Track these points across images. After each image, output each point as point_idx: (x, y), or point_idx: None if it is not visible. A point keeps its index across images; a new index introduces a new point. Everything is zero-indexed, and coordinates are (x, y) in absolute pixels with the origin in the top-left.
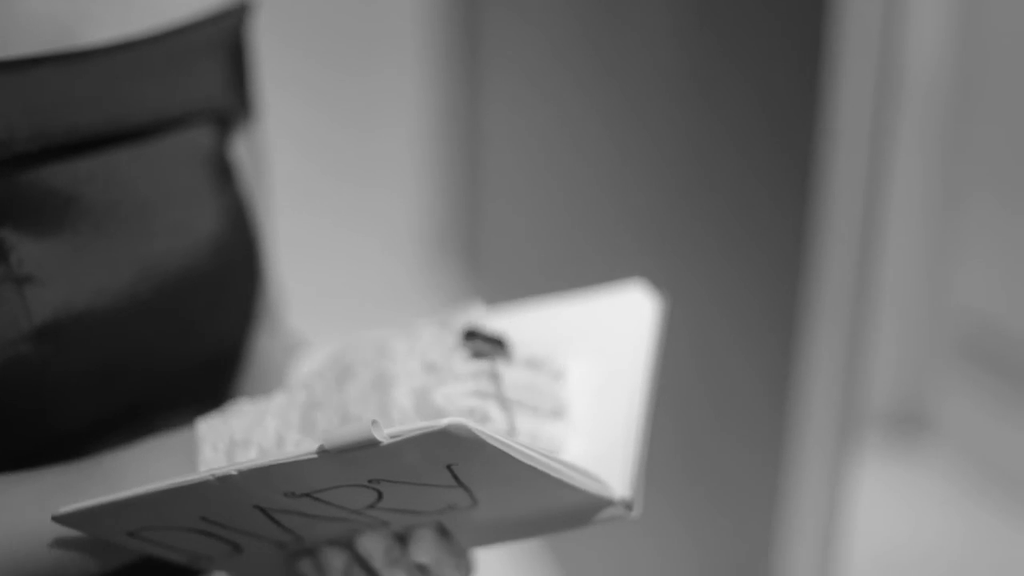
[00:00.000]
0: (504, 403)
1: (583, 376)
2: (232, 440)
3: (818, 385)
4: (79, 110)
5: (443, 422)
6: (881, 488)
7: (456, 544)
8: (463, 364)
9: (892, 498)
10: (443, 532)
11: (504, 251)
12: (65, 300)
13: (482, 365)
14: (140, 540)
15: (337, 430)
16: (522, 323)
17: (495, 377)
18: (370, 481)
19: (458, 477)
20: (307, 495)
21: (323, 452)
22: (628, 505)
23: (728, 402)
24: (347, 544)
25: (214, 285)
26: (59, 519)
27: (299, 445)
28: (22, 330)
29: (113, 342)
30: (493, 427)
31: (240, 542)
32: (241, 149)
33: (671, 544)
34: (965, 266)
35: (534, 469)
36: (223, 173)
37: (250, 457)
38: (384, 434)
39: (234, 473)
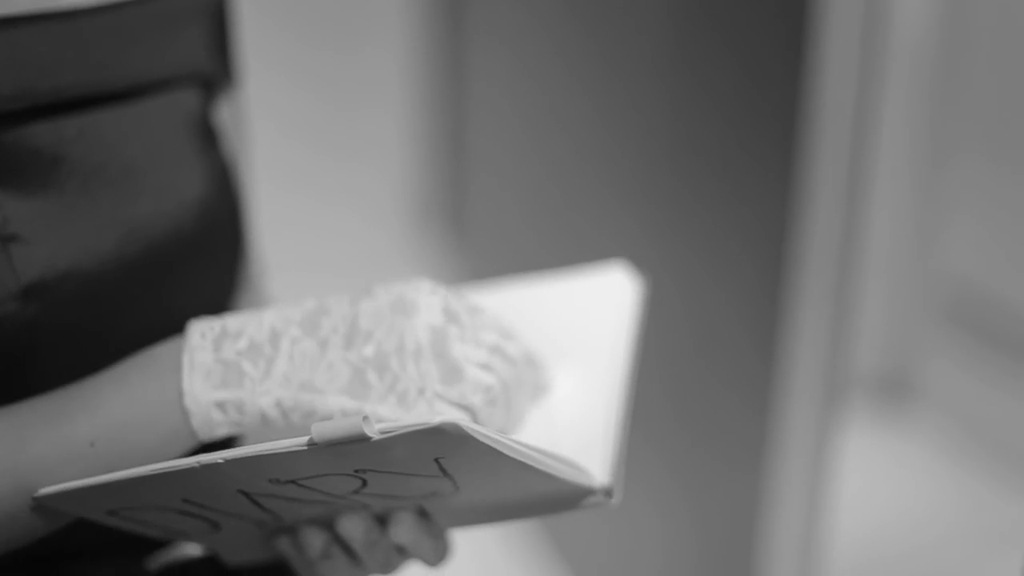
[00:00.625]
0: (509, 388)
1: (562, 360)
2: (224, 329)
3: (804, 350)
4: (64, 70)
5: (436, 420)
6: (867, 452)
7: (435, 526)
8: (487, 333)
9: (878, 462)
10: (423, 514)
11: (489, 223)
12: (51, 259)
13: (501, 342)
14: (119, 518)
15: (327, 423)
16: (501, 302)
17: (512, 361)
18: (356, 471)
19: (444, 468)
20: (292, 482)
21: (312, 444)
22: (608, 493)
23: (715, 367)
24: (327, 524)
25: (199, 247)
26: (40, 499)
27: (298, 342)
28: (9, 289)
29: (98, 303)
30: (494, 410)
31: (219, 521)
32: (224, 114)
33: (659, 511)
34: (952, 230)
35: (521, 463)
36: (208, 136)
37: (238, 346)
38: (375, 429)
39: (220, 461)
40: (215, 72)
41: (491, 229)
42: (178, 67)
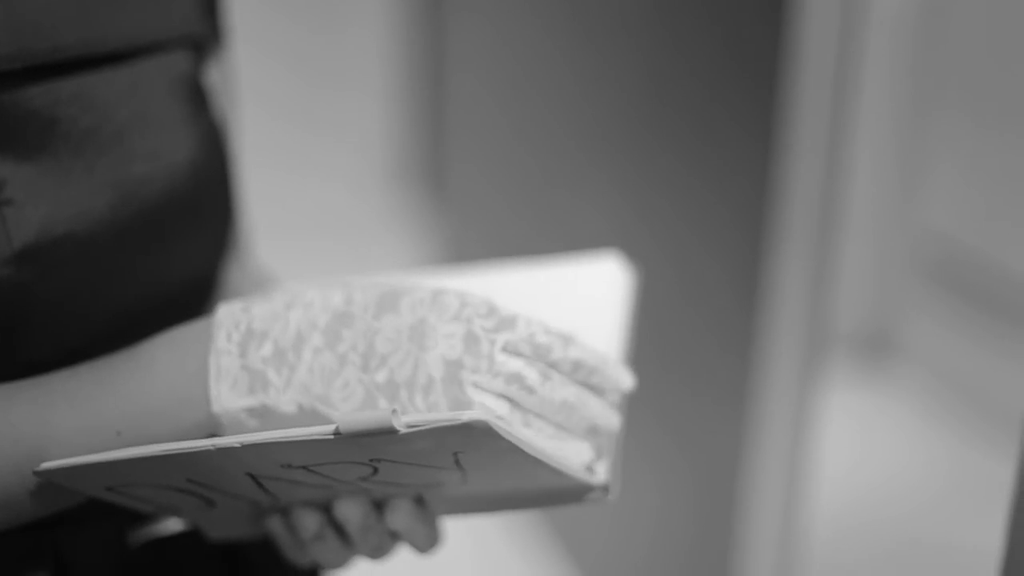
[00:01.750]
0: (529, 420)
1: None
2: (249, 329)
3: (786, 308)
4: (60, 30)
5: (465, 416)
6: (849, 410)
7: (430, 514)
8: (505, 358)
9: (860, 419)
10: (419, 501)
11: (469, 187)
12: (45, 223)
13: (523, 370)
14: (115, 494)
15: (355, 414)
16: (488, 290)
17: (530, 391)
18: (371, 459)
19: (460, 462)
20: (303, 467)
21: (338, 435)
22: (606, 489)
23: (697, 326)
24: (322, 506)
25: (191, 210)
26: (41, 474)
27: (319, 352)
28: (2, 253)
29: (92, 267)
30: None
31: (216, 500)
32: (214, 76)
33: (635, 472)
34: (934, 188)
35: (537, 460)
36: (199, 99)
37: (263, 353)
38: (402, 423)
39: (237, 446)
40: (206, 34)
41: (470, 193)
42: (170, 29)
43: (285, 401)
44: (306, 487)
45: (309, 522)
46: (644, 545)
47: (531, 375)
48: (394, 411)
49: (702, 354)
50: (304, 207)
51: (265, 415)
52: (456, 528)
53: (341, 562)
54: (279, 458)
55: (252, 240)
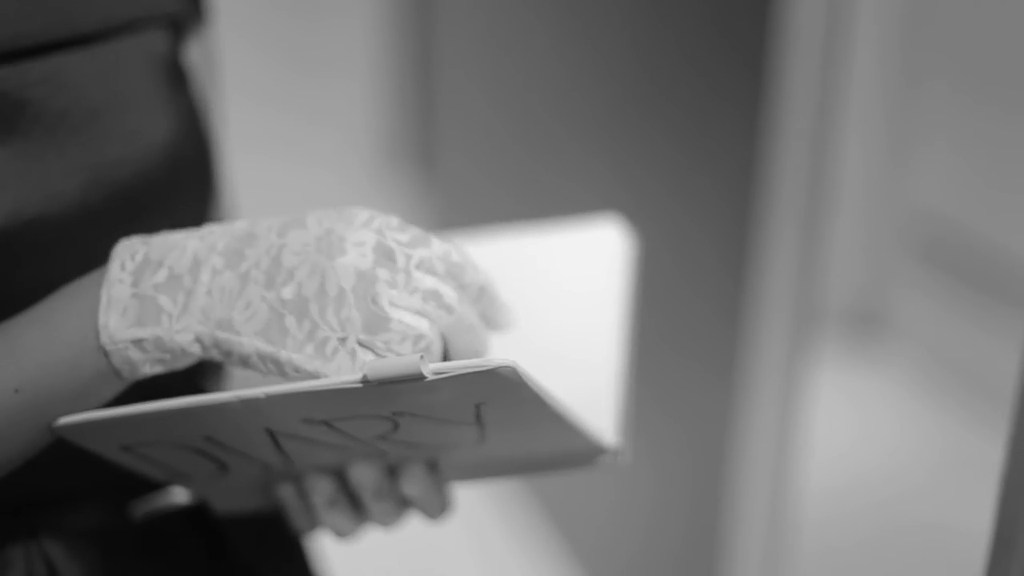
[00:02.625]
0: (447, 339)
1: (557, 317)
2: (146, 258)
3: (775, 285)
4: (23, 16)
5: (494, 363)
6: (840, 387)
7: (442, 480)
8: (421, 274)
9: (851, 397)
10: (432, 467)
11: (459, 164)
12: (15, 206)
13: (440, 287)
14: (130, 454)
15: (382, 361)
16: (488, 255)
17: (448, 310)
18: (394, 413)
19: (480, 416)
20: (324, 422)
21: (366, 382)
22: (617, 453)
23: (685, 303)
24: (335, 472)
25: (167, 192)
26: (59, 430)
27: (219, 274)
28: None
29: (64, 250)
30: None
31: (230, 463)
32: (194, 54)
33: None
34: (924, 165)
35: (557, 415)
36: (176, 79)
37: (156, 279)
38: (430, 369)
39: (261, 397)
40: (185, 12)
41: (460, 172)
42: (146, 8)
43: (179, 329)
44: (322, 448)
45: (323, 487)
46: (636, 522)
47: (448, 293)
48: (422, 357)
49: (692, 332)
50: (293, 188)
51: (159, 348)
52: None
53: (351, 530)
54: (302, 411)
55: (238, 215)
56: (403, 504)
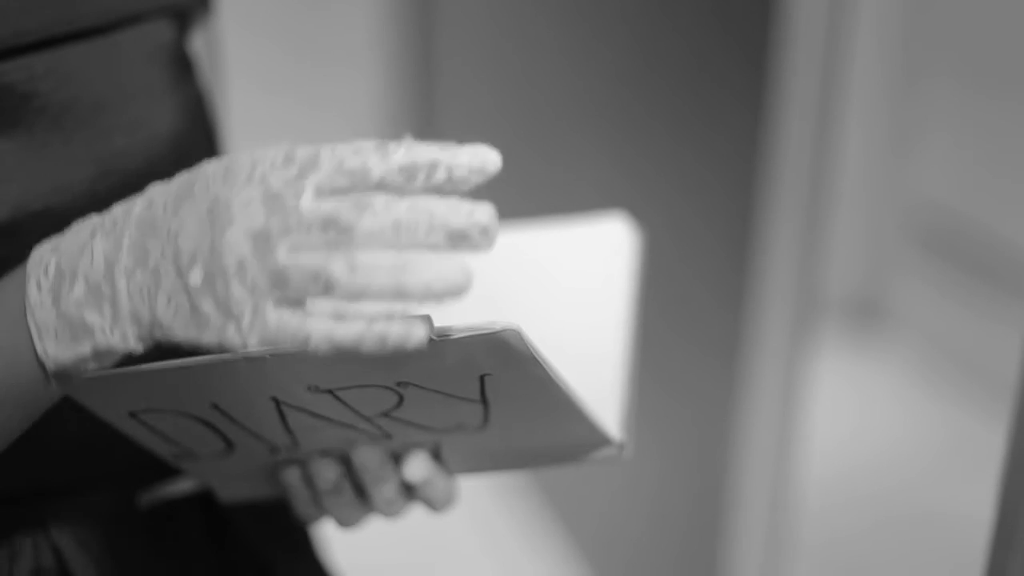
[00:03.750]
0: (356, 262)
1: (564, 311)
2: (59, 270)
3: (777, 274)
4: (29, 9)
5: (497, 326)
6: (841, 376)
7: (445, 471)
8: (315, 204)
9: (852, 386)
10: (436, 456)
11: None
12: (22, 199)
13: (334, 210)
14: (138, 422)
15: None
16: (493, 250)
17: (346, 230)
18: (398, 384)
19: (485, 390)
20: (329, 391)
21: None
22: (622, 447)
23: (687, 292)
24: (340, 457)
25: None
26: (71, 387)
27: (131, 276)
28: None
29: None
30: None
31: (236, 440)
32: (198, 43)
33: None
34: (925, 154)
35: (562, 394)
36: (181, 68)
37: (76, 295)
38: (434, 331)
39: (266, 357)
40: (189, 2)
41: None
42: (151, 1)
43: (117, 339)
44: (328, 426)
45: (328, 472)
46: (638, 514)
47: (345, 212)
48: (424, 317)
49: (694, 321)
50: None
51: (105, 355)
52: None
53: (356, 519)
54: (306, 376)
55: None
56: (406, 493)
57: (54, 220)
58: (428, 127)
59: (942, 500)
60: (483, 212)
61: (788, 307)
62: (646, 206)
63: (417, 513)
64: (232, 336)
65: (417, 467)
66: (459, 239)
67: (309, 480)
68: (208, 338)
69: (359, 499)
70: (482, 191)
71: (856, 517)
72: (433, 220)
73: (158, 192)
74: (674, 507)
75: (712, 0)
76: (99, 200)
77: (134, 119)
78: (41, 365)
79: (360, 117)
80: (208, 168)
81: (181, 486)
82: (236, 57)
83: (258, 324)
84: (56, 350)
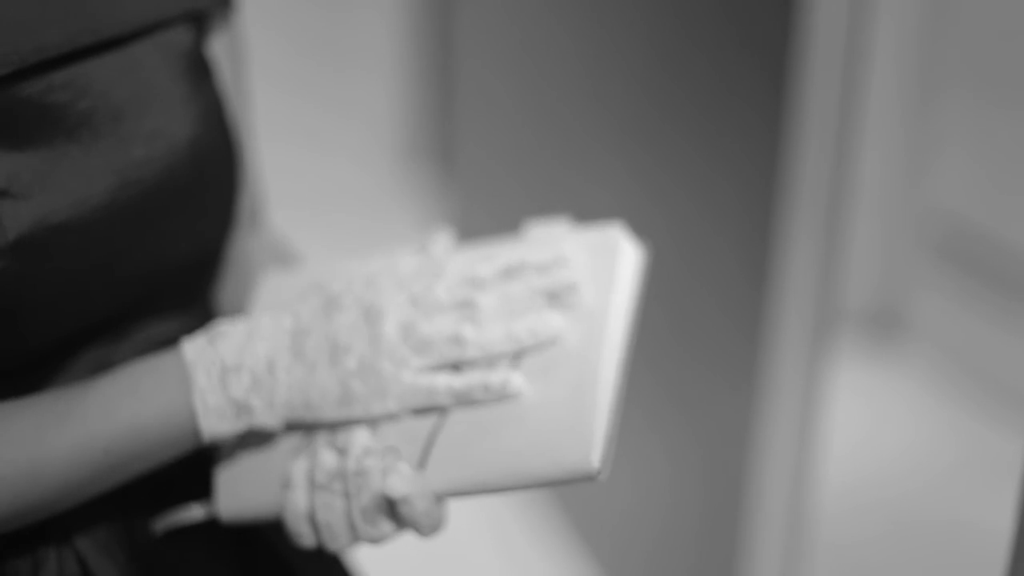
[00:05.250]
0: (481, 325)
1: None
2: (224, 365)
3: (795, 285)
4: (48, 24)
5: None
6: (858, 387)
7: (428, 488)
8: (444, 292)
9: (869, 397)
10: (421, 464)
11: (478, 162)
12: (41, 213)
13: (460, 291)
14: None
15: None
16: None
17: (472, 306)
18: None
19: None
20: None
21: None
22: (598, 471)
23: (704, 302)
24: (339, 450)
25: (192, 189)
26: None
27: (290, 371)
28: None
29: (91, 252)
30: (482, 342)
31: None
32: (218, 46)
33: (644, 451)
34: (942, 165)
35: (597, 369)
36: (200, 72)
37: (243, 384)
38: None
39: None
40: (209, 5)
41: (479, 170)
42: (169, 7)
43: (271, 417)
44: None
45: (327, 459)
46: (654, 520)
47: (468, 292)
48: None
49: (711, 332)
50: (313, 183)
51: (256, 432)
52: (471, 511)
53: (344, 539)
54: None
55: (267, 210)
56: (389, 518)
57: (74, 232)
58: (447, 131)
59: (959, 510)
60: (566, 275)
61: (806, 317)
62: (664, 216)
63: None
64: (376, 407)
65: (398, 482)
66: (554, 298)
67: (311, 467)
68: (356, 413)
69: (348, 529)
70: (504, 195)
71: (873, 527)
72: (534, 288)
73: (301, 307)
74: (691, 516)
75: (732, 12)
76: (119, 211)
77: (153, 129)
78: (197, 434)
79: (380, 121)
80: (349, 284)
81: (193, 513)
82: (257, 60)
83: (396, 388)
84: (219, 425)
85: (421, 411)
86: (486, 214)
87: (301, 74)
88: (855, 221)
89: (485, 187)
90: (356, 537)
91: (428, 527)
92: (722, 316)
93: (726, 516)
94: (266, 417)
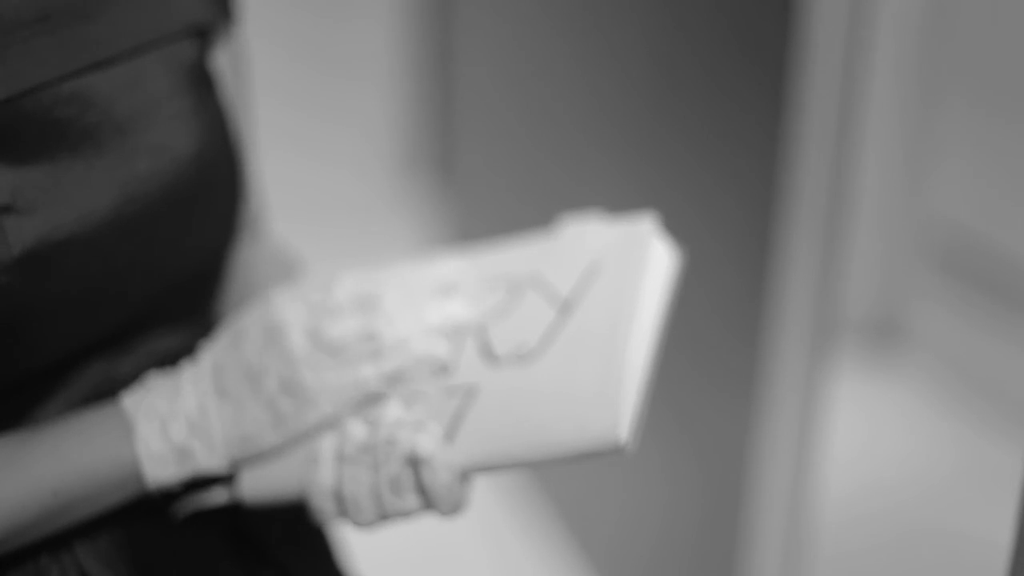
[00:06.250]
0: (390, 317)
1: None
2: (161, 415)
3: (793, 294)
4: (53, 47)
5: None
6: (858, 397)
7: (453, 460)
8: (343, 294)
9: (869, 407)
10: (450, 437)
11: (477, 171)
12: (46, 228)
13: (362, 287)
14: None
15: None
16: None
17: (374, 302)
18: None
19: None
20: None
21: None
22: (625, 446)
23: (704, 312)
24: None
25: (197, 202)
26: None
27: (220, 410)
28: (1, 260)
29: (96, 267)
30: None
31: None
32: (221, 59)
33: (643, 461)
34: (942, 175)
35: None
36: (204, 85)
37: (182, 429)
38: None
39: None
40: (212, 18)
41: (478, 179)
42: (172, 22)
43: (215, 458)
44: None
45: (357, 431)
46: (652, 531)
47: (369, 290)
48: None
49: (711, 341)
50: (313, 193)
51: (195, 474)
52: (468, 515)
53: (368, 513)
54: None
55: (267, 219)
56: (414, 492)
57: (78, 248)
58: (446, 141)
59: (958, 520)
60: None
61: (806, 327)
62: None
63: (426, 523)
64: (311, 417)
65: (427, 440)
66: (447, 290)
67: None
68: (295, 429)
69: (374, 504)
70: (504, 203)
71: (872, 537)
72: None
73: (216, 347)
74: (689, 526)
75: (731, 18)
76: (123, 225)
77: (157, 143)
78: (142, 480)
79: (379, 131)
80: (248, 313)
81: (215, 497)
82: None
83: (324, 392)
84: (163, 473)
85: (449, 390)
86: (485, 224)
87: (301, 84)
88: (855, 231)
89: (484, 197)
90: (381, 511)
91: (448, 504)
92: (721, 326)
93: (725, 525)
94: (209, 460)
